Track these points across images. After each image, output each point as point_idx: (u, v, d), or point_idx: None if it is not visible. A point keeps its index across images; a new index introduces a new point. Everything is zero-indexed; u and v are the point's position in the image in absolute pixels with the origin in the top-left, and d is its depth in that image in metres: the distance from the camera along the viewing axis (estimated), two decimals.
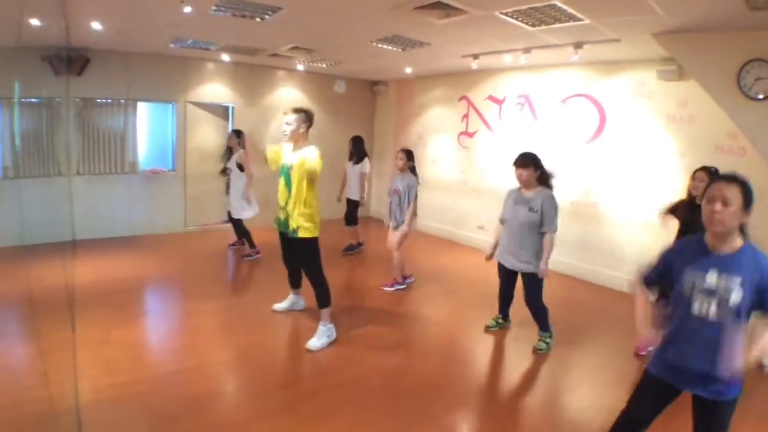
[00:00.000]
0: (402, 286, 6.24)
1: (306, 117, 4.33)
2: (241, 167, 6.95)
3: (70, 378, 3.42)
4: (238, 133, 7.10)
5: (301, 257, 4.54)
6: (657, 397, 2.48)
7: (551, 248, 4.39)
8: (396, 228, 5.94)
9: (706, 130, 5.73)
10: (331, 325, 4.55)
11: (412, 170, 5.95)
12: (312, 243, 4.42)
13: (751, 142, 4.64)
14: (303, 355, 4.34)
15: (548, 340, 4.63)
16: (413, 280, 6.40)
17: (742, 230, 2.26)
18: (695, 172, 4.32)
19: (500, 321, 5.05)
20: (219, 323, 4.87)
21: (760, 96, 4.33)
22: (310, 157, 4.15)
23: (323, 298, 4.48)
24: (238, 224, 7.21)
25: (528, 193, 4.42)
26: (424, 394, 3.78)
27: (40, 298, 5.03)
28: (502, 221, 4.67)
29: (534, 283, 4.49)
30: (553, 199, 4.38)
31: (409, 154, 5.93)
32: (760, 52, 4.30)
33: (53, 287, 5.33)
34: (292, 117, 4.28)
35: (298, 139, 4.34)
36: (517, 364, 4.52)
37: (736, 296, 2.14)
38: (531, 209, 4.34)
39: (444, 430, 3.37)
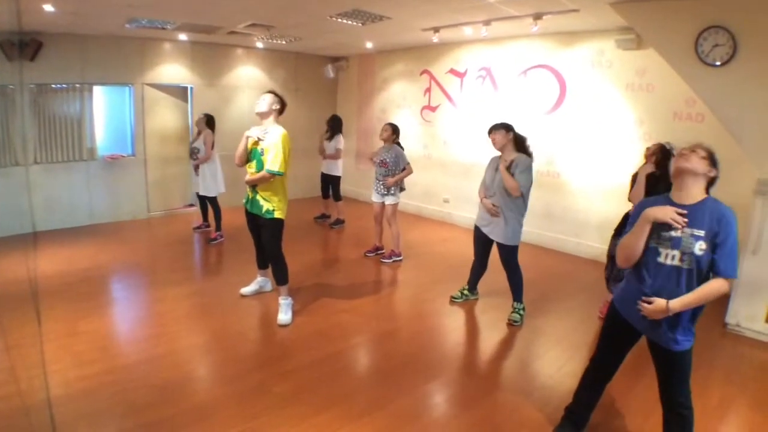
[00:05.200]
0: (399, 258, 6.46)
1: (278, 100, 4.52)
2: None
3: (39, 372, 3.38)
4: (208, 118, 7.05)
5: (265, 236, 4.60)
6: (622, 336, 2.64)
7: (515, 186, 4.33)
8: (384, 197, 6.28)
9: (664, 98, 5.86)
10: (291, 298, 4.72)
11: (398, 144, 6.29)
12: (278, 223, 4.51)
13: (709, 108, 4.74)
14: (274, 337, 4.36)
15: (522, 312, 4.73)
16: (401, 258, 6.53)
17: (707, 190, 2.38)
18: (647, 149, 4.39)
19: (466, 293, 5.15)
20: (188, 308, 4.83)
21: (718, 63, 4.39)
22: (274, 142, 4.31)
23: (282, 275, 4.63)
24: (213, 202, 7.15)
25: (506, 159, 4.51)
26: (397, 367, 3.85)
27: (3, 293, 4.93)
28: (484, 188, 4.71)
29: (509, 249, 4.59)
30: (524, 160, 4.38)
31: (394, 128, 6.30)
32: (717, 19, 4.34)
33: (15, 281, 5.22)
34: (266, 96, 4.47)
35: (267, 118, 4.46)
36: (486, 333, 4.62)
37: (699, 248, 2.25)
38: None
39: (418, 402, 3.42)
